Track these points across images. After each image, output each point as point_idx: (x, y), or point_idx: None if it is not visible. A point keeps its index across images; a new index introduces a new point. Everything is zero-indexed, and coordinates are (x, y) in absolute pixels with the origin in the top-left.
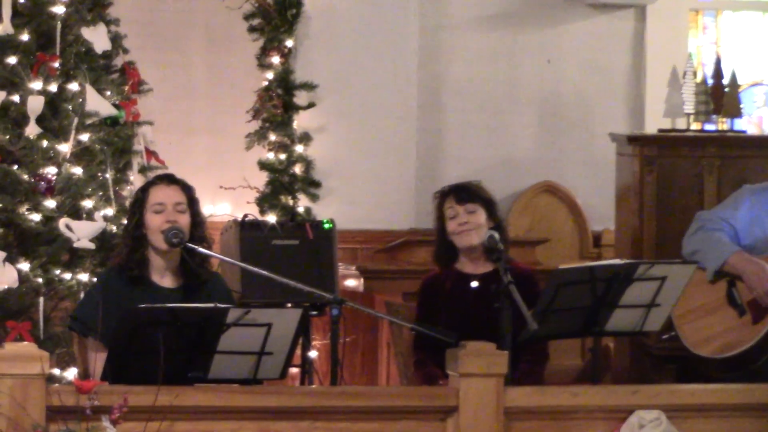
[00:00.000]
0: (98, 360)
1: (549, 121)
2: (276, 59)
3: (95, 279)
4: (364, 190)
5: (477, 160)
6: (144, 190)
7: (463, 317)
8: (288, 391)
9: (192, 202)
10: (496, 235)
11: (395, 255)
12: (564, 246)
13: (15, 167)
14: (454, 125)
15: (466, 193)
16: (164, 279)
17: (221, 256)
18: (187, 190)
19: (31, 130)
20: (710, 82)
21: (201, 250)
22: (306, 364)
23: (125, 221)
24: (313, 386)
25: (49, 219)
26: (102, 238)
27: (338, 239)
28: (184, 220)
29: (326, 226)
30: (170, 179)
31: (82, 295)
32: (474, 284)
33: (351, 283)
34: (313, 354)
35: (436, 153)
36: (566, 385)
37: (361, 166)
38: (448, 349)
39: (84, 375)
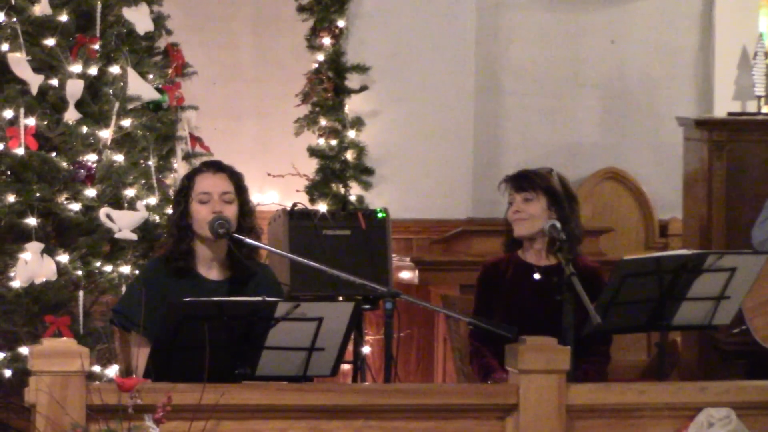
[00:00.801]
0: (141, 356)
1: (613, 104)
2: (327, 40)
3: (138, 271)
4: (419, 177)
5: (537, 146)
6: (189, 178)
7: (523, 309)
8: (339, 388)
9: (240, 191)
10: (558, 225)
11: (452, 246)
12: (629, 236)
13: (53, 155)
14: (513, 109)
15: (524, 180)
16: (211, 271)
17: (269, 247)
18: (235, 177)
19: (70, 115)
20: None
21: (248, 240)
22: (358, 361)
23: (170, 210)
24: (366, 383)
25: (89, 209)
26: (144, 229)
27: (392, 229)
28: (231, 210)
29: (379, 215)
30: (217, 166)
31: (123, 288)
32: (536, 276)
33: (405, 275)
34: (365, 350)
35: (494, 138)
36: (631, 382)
37: (416, 152)
38: (508, 344)
39: (126, 372)
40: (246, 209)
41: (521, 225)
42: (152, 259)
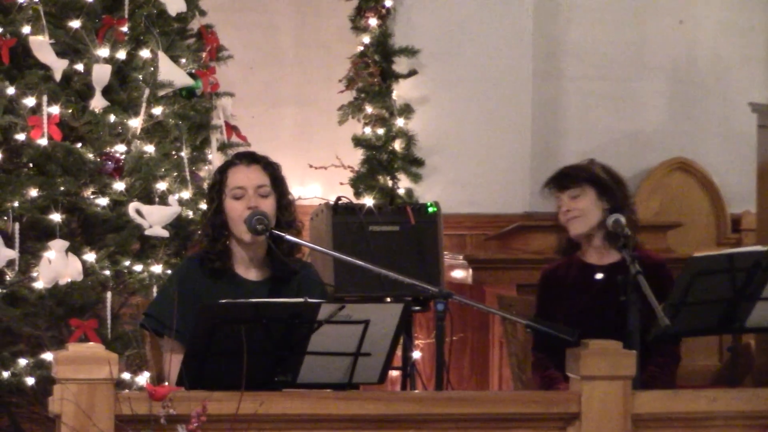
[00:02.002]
0: (173, 362)
1: (681, 89)
2: (373, 21)
3: (170, 271)
4: (472, 168)
5: (600, 135)
6: (222, 172)
7: (586, 312)
8: (388, 396)
9: (277, 182)
10: (622, 219)
11: (508, 242)
12: (699, 231)
13: (79, 145)
14: (574, 95)
15: (566, 177)
16: (250, 271)
17: (311, 245)
18: (271, 168)
19: (97, 103)
20: None
21: (289, 237)
22: (408, 367)
23: (204, 206)
24: (416, 391)
25: (117, 203)
26: (177, 225)
27: (444, 224)
28: (268, 205)
29: (430, 209)
30: (250, 158)
31: (154, 289)
32: (598, 276)
33: (458, 274)
34: (415, 355)
35: (553, 126)
36: (702, 389)
37: (469, 141)
38: (569, 348)
39: (157, 379)
40: (284, 202)
41: (575, 224)
42: (187, 259)
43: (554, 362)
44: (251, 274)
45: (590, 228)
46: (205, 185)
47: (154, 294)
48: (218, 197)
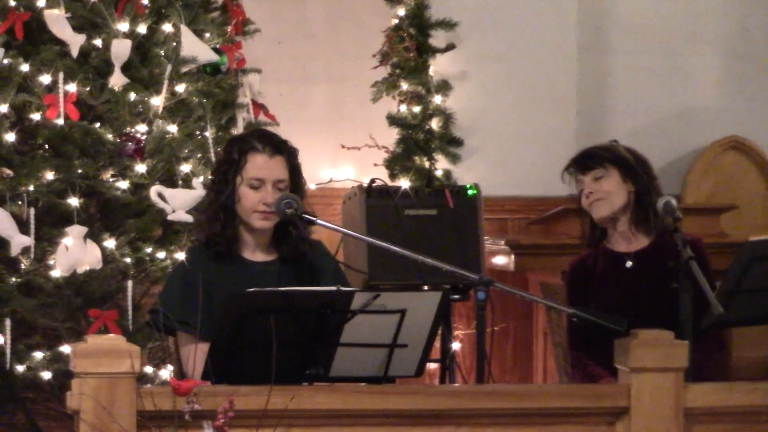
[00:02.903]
0: (198, 355)
1: (735, 64)
2: None
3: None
4: (514, 148)
5: (649, 112)
6: (241, 153)
7: (617, 303)
8: (425, 391)
9: (294, 174)
10: (673, 201)
11: (552, 226)
12: (754, 214)
13: (97, 125)
14: (622, 70)
15: (588, 158)
16: (256, 253)
17: (344, 230)
18: (291, 159)
19: (116, 80)
20: None
21: (321, 222)
22: (447, 359)
23: (214, 186)
24: (456, 385)
25: (139, 187)
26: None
27: (484, 208)
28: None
29: (470, 192)
30: (274, 147)
31: None
32: (628, 264)
33: (500, 260)
34: (455, 346)
35: (600, 103)
36: (758, 381)
37: (511, 119)
38: (617, 339)
39: (181, 373)
40: (300, 193)
41: (599, 206)
42: (191, 248)
43: (594, 359)
44: (258, 256)
45: (615, 211)
46: None
47: None
48: (233, 180)
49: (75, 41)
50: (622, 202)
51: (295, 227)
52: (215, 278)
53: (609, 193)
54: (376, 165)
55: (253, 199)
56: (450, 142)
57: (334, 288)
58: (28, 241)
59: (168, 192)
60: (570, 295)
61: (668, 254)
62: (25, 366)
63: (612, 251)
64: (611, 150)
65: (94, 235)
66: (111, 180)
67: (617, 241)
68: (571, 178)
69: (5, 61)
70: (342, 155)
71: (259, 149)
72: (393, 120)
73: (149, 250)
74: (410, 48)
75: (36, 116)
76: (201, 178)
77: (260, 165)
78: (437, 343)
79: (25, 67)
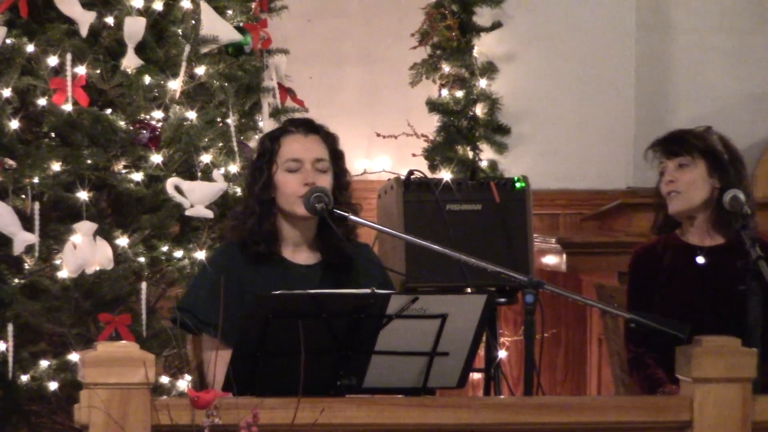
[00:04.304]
0: (219, 363)
1: None
2: None
3: (208, 257)
4: (566, 137)
5: (716, 97)
6: (273, 140)
7: (685, 302)
8: (469, 403)
9: (336, 157)
10: (741, 196)
11: (608, 223)
12: None
13: (108, 111)
14: (686, 51)
15: (677, 143)
16: (298, 254)
17: (379, 226)
18: (330, 140)
19: (130, 62)
20: None
21: (354, 218)
22: (492, 368)
23: (249, 181)
24: (502, 397)
25: (154, 179)
26: (223, 204)
27: (533, 203)
28: (326, 181)
29: (517, 185)
30: (308, 126)
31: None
32: (700, 260)
33: (550, 260)
34: (501, 354)
35: (661, 88)
36: None
37: (563, 105)
38: (679, 346)
39: (201, 384)
40: (342, 181)
41: (677, 200)
42: (223, 244)
43: (655, 358)
44: (300, 258)
45: (693, 207)
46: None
47: None
48: (268, 169)
49: (84, 19)
50: (703, 198)
51: (330, 225)
52: (250, 280)
53: (690, 186)
54: (414, 155)
55: (293, 183)
56: (496, 130)
57: (368, 290)
58: (32, 238)
59: (186, 185)
60: (632, 287)
61: (743, 254)
62: (29, 376)
63: (683, 243)
64: (704, 138)
65: (104, 232)
66: (123, 171)
67: (691, 233)
68: (654, 157)
69: (8, 42)
70: (377, 144)
71: (293, 130)
72: (433, 106)
73: (165, 248)
74: (452, 26)
75: (42, 101)
76: (222, 170)
77: (295, 145)
78: (481, 351)
79: (29, 48)
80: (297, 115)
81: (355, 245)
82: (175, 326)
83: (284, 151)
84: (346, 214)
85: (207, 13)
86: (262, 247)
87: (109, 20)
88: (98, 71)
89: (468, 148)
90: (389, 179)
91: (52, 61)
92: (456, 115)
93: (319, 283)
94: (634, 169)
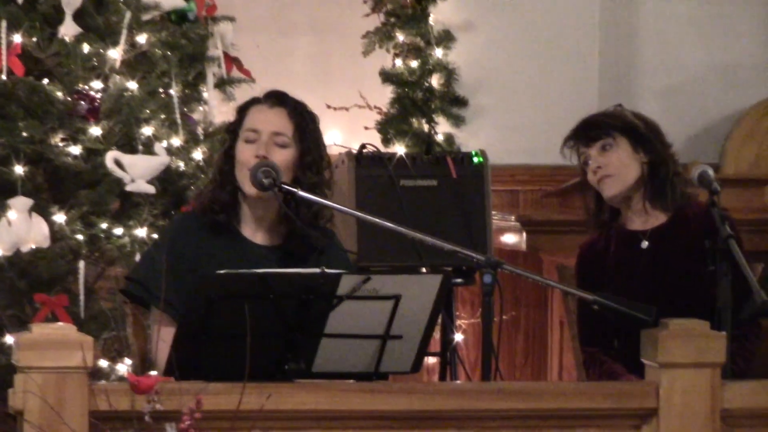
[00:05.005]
0: (161, 346)
1: None
2: None
3: (156, 235)
4: (527, 110)
5: (683, 68)
6: (242, 109)
7: (635, 290)
8: (423, 389)
9: (304, 134)
10: (710, 171)
11: (571, 200)
12: None
13: (45, 82)
14: (652, 19)
15: (592, 127)
16: (257, 234)
17: (328, 203)
18: (299, 117)
19: (68, 30)
20: None
21: (301, 193)
22: (448, 352)
23: (197, 154)
24: (459, 382)
25: (93, 153)
26: (165, 179)
27: (492, 179)
28: (283, 157)
29: (475, 160)
30: (277, 99)
31: (138, 257)
32: (644, 244)
33: (510, 239)
34: (457, 338)
35: (626, 58)
36: None
37: (523, 76)
38: (644, 330)
39: (142, 368)
40: (308, 160)
41: (610, 183)
42: (182, 214)
43: (611, 356)
44: (259, 237)
45: (628, 187)
46: (200, 130)
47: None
48: (232, 139)
49: None
50: (636, 176)
51: (288, 206)
52: (205, 252)
53: (619, 167)
54: (367, 128)
55: (246, 153)
56: (452, 102)
57: (317, 270)
58: None
59: (126, 159)
60: (582, 286)
61: (688, 231)
62: None
63: (625, 230)
64: (618, 116)
65: (41, 209)
66: (61, 145)
67: (630, 219)
68: (572, 152)
69: None
70: (328, 117)
71: (260, 101)
72: (387, 76)
73: (104, 225)
74: None
75: None
76: (164, 143)
77: (257, 115)
78: (437, 335)
79: None
80: (244, 87)
81: (324, 234)
82: (125, 296)
83: (246, 120)
84: (293, 189)
85: None
86: (222, 217)
87: None
88: (34, 39)
89: (423, 121)
90: (340, 153)
91: None
92: (411, 86)
93: (277, 266)
94: None
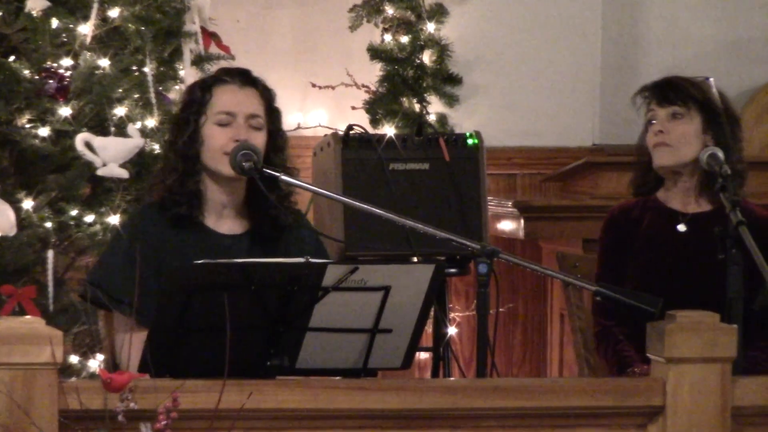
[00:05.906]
0: (135, 342)
1: None
2: None
3: (122, 222)
4: (524, 88)
5: (690, 44)
6: (205, 89)
7: (662, 272)
8: (414, 386)
9: (273, 115)
10: (720, 154)
11: (571, 184)
12: None
13: (12, 59)
14: None
15: (672, 89)
16: (222, 223)
17: (313, 187)
18: (267, 96)
19: (35, 3)
20: None
21: (285, 178)
22: (441, 347)
23: (172, 134)
24: (452, 379)
25: (62, 134)
26: (139, 162)
27: (488, 162)
28: (259, 140)
29: (470, 142)
30: (245, 78)
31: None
32: (681, 228)
33: (507, 225)
34: (451, 331)
35: (630, 33)
36: None
37: (521, 53)
38: (650, 322)
39: (114, 364)
40: (278, 141)
41: (665, 152)
42: (139, 207)
43: (626, 334)
44: (224, 227)
45: (680, 163)
46: (175, 110)
47: None
48: (195, 121)
49: None
50: (693, 156)
51: (261, 191)
52: (168, 248)
53: (681, 140)
54: (354, 108)
55: (222, 137)
56: (445, 80)
57: (302, 259)
58: None
59: (98, 141)
60: (605, 250)
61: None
62: None
63: (664, 207)
64: (702, 89)
65: (6, 194)
66: (28, 126)
67: (672, 196)
68: (641, 104)
69: None
70: (313, 96)
71: (227, 80)
72: (375, 53)
73: (74, 212)
74: None
75: None
76: (138, 124)
77: (229, 96)
78: (429, 328)
79: None
80: (223, 64)
81: (291, 215)
82: (85, 302)
83: (216, 102)
84: (278, 174)
85: None
86: (184, 209)
87: None
88: (0, 14)
89: (414, 101)
90: (326, 135)
91: None
92: (401, 63)
93: (247, 255)
94: (601, 124)
